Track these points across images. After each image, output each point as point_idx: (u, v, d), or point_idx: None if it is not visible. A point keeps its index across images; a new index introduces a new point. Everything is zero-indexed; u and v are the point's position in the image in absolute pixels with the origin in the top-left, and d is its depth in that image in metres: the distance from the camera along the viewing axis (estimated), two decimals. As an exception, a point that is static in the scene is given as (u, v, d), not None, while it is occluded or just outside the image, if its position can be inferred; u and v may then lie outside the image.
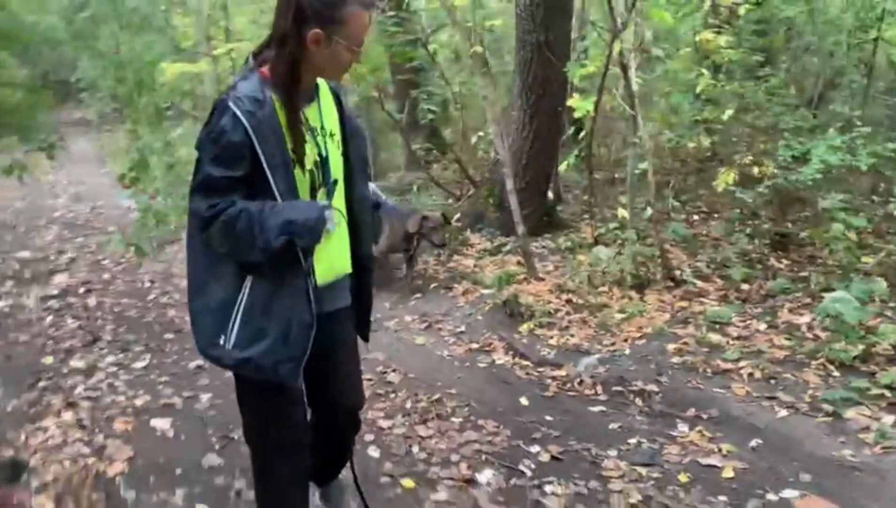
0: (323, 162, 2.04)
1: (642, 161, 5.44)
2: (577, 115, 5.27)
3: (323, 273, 2.07)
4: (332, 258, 2.11)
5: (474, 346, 4.42)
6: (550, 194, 6.55)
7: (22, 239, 7.05)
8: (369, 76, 6.67)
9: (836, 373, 3.72)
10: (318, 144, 2.03)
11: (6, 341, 4.47)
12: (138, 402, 3.68)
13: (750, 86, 6.13)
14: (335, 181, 2.09)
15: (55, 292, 5.24)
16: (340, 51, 1.93)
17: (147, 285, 5.76)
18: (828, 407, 3.38)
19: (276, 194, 1.92)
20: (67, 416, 3.47)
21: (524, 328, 4.58)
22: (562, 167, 6.46)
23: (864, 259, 4.84)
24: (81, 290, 5.37)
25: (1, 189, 8.20)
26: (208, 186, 1.91)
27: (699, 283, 5.05)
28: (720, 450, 3.09)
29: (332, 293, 2.16)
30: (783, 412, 3.40)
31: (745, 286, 4.92)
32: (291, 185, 1.95)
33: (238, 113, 1.87)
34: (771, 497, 2.73)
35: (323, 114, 2.08)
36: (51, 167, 9.44)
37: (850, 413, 3.31)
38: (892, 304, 4.33)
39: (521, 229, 5.31)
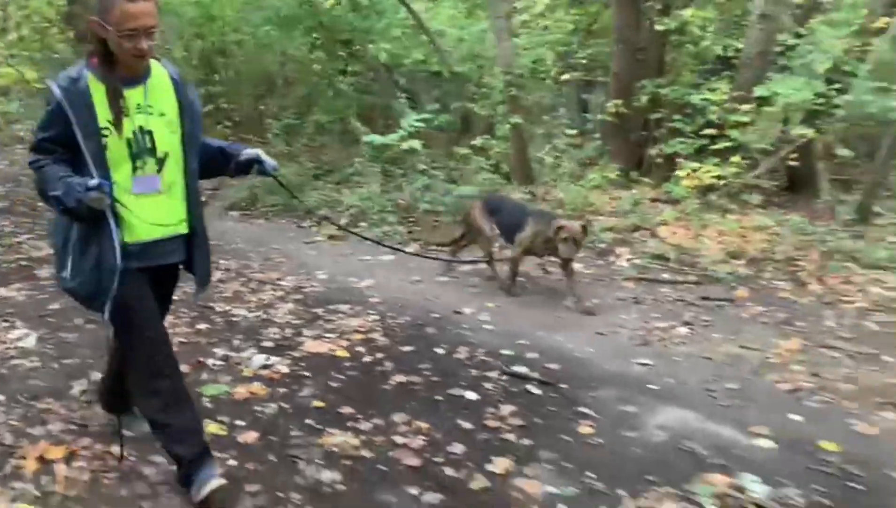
0: (144, 134, 2.41)
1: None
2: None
3: (136, 233, 2.45)
4: (144, 221, 2.46)
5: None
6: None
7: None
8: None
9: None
10: (135, 119, 2.38)
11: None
12: None
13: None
14: (166, 154, 2.46)
15: None
16: (116, 38, 2.26)
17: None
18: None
19: (87, 155, 2.32)
20: None
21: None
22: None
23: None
24: None
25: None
26: (34, 145, 2.41)
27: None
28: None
29: (151, 251, 2.51)
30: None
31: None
32: (100, 150, 2.33)
33: (54, 87, 2.30)
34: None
35: (149, 96, 2.43)
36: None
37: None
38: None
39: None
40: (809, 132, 6.45)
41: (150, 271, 2.55)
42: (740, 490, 2.86)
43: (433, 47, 8.61)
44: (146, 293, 2.54)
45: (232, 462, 2.93)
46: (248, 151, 2.79)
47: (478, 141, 8.12)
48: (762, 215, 7.05)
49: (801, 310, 5.20)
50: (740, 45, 7.89)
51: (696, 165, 7.00)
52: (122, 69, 2.36)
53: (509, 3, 8.77)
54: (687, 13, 7.57)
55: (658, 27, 7.98)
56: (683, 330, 4.61)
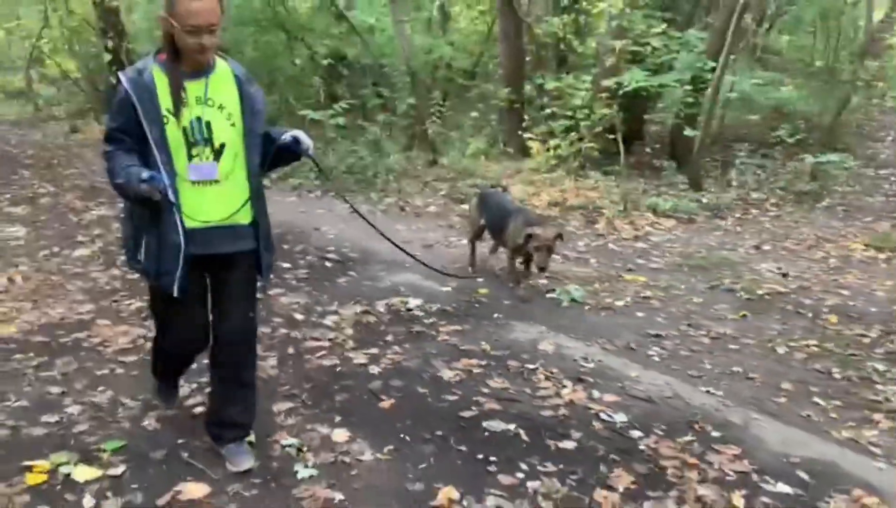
0: (201, 124, 2.55)
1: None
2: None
3: (196, 218, 2.58)
4: (206, 208, 2.59)
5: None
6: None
7: None
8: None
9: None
10: (193, 110, 2.53)
11: None
12: None
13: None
14: (222, 145, 2.60)
15: None
16: (180, 34, 2.43)
17: None
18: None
19: (150, 139, 2.49)
20: None
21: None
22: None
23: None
24: None
25: None
26: (106, 135, 2.57)
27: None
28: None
29: (214, 236, 2.63)
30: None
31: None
32: (162, 135, 2.49)
33: (123, 78, 2.51)
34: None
35: (210, 89, 2.57)
36: None
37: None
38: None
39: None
40: (608, 112, 8.32)
41: (205, 260, 2.65)
42: (403, 303, 4.89)
43: (364, 44, 10.69)
44: (194, 281, 2.65)
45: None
46: (287, 134, 2.76)
47: (381, 117, 10.13)
48: (603, 178, 9.02)
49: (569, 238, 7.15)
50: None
51: (539, 140, 8.91)
52: (186, 63, 2.52)
53: (408, 9, 10.82)
54: (554, 21, 9.50)
55: (537, 31, 9.94)
56: (464, 241, 6.55)
